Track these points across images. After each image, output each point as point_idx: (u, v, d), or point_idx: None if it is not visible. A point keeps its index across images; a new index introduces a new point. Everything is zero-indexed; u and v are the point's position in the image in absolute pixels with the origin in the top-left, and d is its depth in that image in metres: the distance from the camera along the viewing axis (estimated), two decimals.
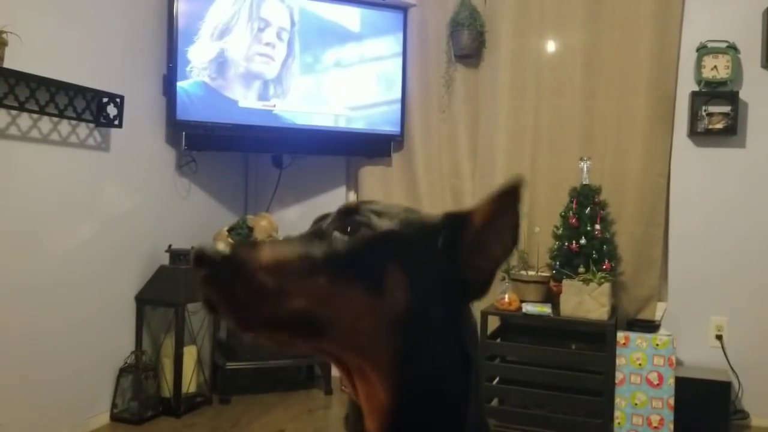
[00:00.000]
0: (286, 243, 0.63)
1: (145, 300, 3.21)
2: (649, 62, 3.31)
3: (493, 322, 3.27)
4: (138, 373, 3.10)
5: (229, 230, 3.52)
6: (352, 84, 3.71)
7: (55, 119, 2.76)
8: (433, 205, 3.71)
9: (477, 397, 0.66)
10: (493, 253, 0.65)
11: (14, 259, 2.60)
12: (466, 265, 0.64)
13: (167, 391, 3.19)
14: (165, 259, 3.28)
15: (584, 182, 3.18)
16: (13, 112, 2.56)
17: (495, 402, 3.21)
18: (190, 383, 3.24)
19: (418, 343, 0.62)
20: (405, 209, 0.67)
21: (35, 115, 2.66)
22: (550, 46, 3.54)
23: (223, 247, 0.58)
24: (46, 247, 2.75)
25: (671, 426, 2.94)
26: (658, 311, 3.33)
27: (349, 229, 0.63)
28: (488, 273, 0.65)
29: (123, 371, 3.11)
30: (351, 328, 0.60)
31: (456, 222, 0.65)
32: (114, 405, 3.08)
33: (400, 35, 3.74)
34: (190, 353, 3.25)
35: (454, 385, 0.64)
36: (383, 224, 0.63)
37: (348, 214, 0.64)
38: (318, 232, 0.64)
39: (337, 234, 0.63)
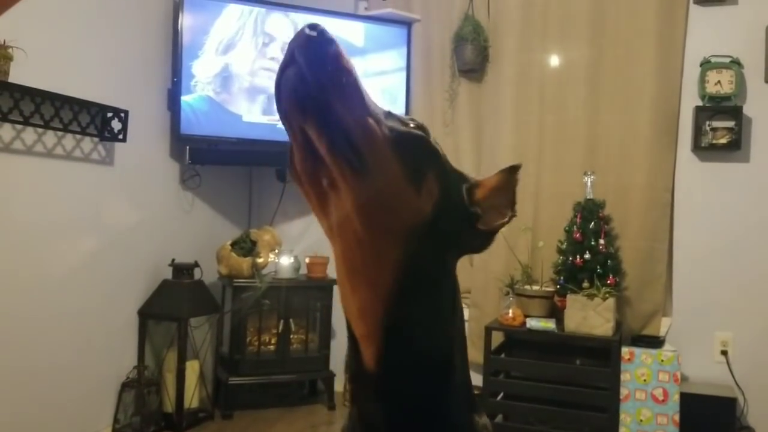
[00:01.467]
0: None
1: (147, 314, 3.20)
2: (652, 77, 3.31)
3: (497, 338, 3.25)
4: (140, 387, 3.09)
5: (233, 244, 3.52)
6: None
7: (60, 133, 2.77)
8: None
9: (464, 363, 0.70)
10: (492, 220, 0.70)
11: (18, 272, 2.60)
12: (478, 218, 0.70)
13: (169, 406, 3.18)
14: (168, 273, 3.28)
15: (588, 197, 3.17)
16: (18, 126, 2.57)
17: (499, 418, 3.19)
18: (192, 398, 3.22)
19: (421, 263, 0.64)
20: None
21: (40, 129, 2.67)
22: (554, 61, 3.55)
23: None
24: (50, 260, 2.74)
25: None
26: (663, 327, 3.31)
27: (407, 123, 0.66)
28: (486, 235, 0.71)
29: (125, 386, 3.09)
30: (384, 202, 0.61)
31: (473, 181, 0.72)
32: (116, 420, 3.06)
33: (404, 50, 3.76)
34: (192, 368, 3.24)
35: (445, 326, 0.67)
36: (439, 149, 0.69)
37: (419, 127, 0.68)
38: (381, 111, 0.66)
39: (394, 123, 0.65)
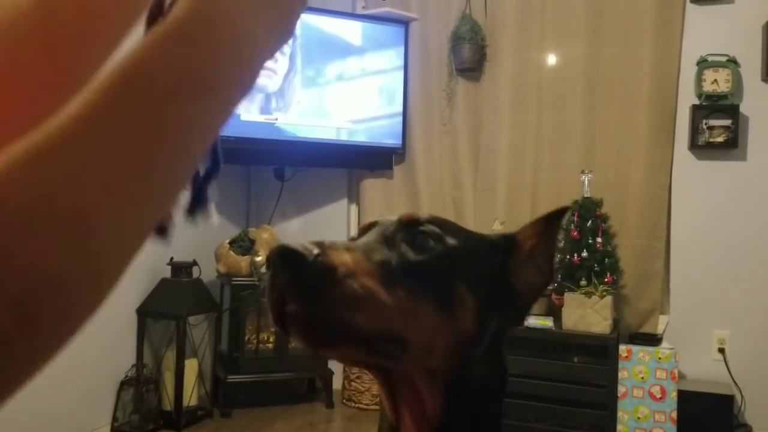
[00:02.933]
0: (363, 248, 0.58)
1: (146, 312, 3.20)
2: (649, 76, 3.32)
3: None
4: (139, 386, 3.10)
5: (231, 242, 3.53)
6: (353, 97, 3.73)
7: None
8: None
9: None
10: (531, 280, 0.65)
11: None
12: (514, 289, 0.65)
13: (168, 404, 3.18)
14: (167, 272, 3.28)
15: (586, 195, 3.18)
16: None
17: None
18: (191, 396, 3.23)
19: (474, 360, 0.62)
20: (460, 226, 0.67)
21: None
22: (551, 60, 3.56)
23: (310, 246, 0.52)
24: None
25: None
26: (661, 324, 3.32)
27: (418, 242, 0.61)
28: (528, 300, 0.66)
29: (124, 384, 3.10)
30: (427, 347, 0.58)
31: (509, 243, 0.66)
32: (115, 418, 3.07)
33: (402, 49, 3.76)
34: (191, 366, 3.25)
35: (495, 402, 0.65)
36: (451, 241, 0.62)
37: (412, 226, 0.63)
38: (386, 239, 0.61)
39: (405, 246, 0.60)
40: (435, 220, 0.64)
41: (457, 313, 0.60)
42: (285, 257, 0.52)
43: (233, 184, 4.00)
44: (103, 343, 3.01)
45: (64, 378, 2.81)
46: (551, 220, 0.65)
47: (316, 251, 0.52)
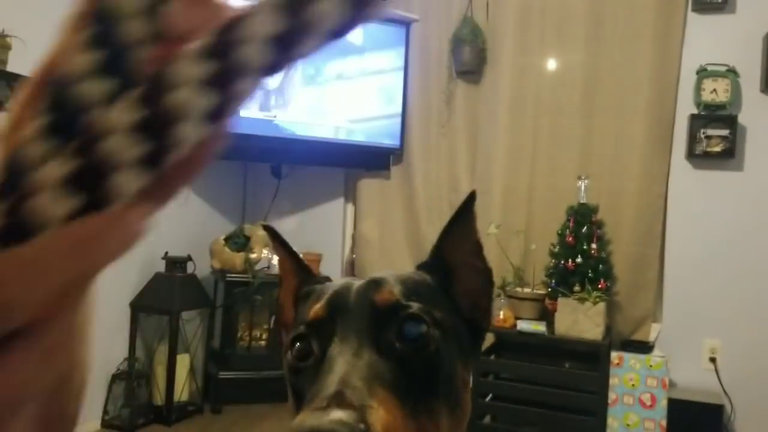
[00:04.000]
0: (376, 378, 0.47)
1: (139, 307, 3.20)
2: (648, 83, 3.33)
3: (488, 339, 3.26)
4: (130, 380, 3.09)
5: (226, 239, 3.53)
6: (353, 96, 3.73)
7: None
8: (431, 219, 3.72)
9: None
10: (474, 285, 0.60)
11: None
12: (464, 307, 0.59)
13: (159, 399, 3.18)
14: (161, 267, 3.28)
15: (582, 201, 3.19)
16: None
17: (487, 419, 3.20)
18: (182, 392, 3.23)
19: (448, 394, 0.54)
20: (413, 276, 0.58)
21: None
22: (551, 65, 3.56)
23: (352, 423, 0.42)
24: None
25: None
26: (653, 332, 3.32)
27: (409, 334, 0.51)
28: (484, 310, 0.61)
29: (115, 378, 3.10)
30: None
31: (437, 262, 0.59)
32: (105, 412, 3.07)
33: (402, 50, 3.76)
34: (183, 361, 3.25)
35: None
36: (436, 314, 0.53)
37: (394, 312, 0.52)
38: (369, 338, 0.50)
39: (399, 345, 0.50)
40: (410, 292, 0.53)
41: (462, 400, 0.54)
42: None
43: (230, 180, 4.00)
44: (96, 336, 3.00)
45: None
46: (462, 212, 0.60)
47: (361, 426, 0.42)
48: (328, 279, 0.66)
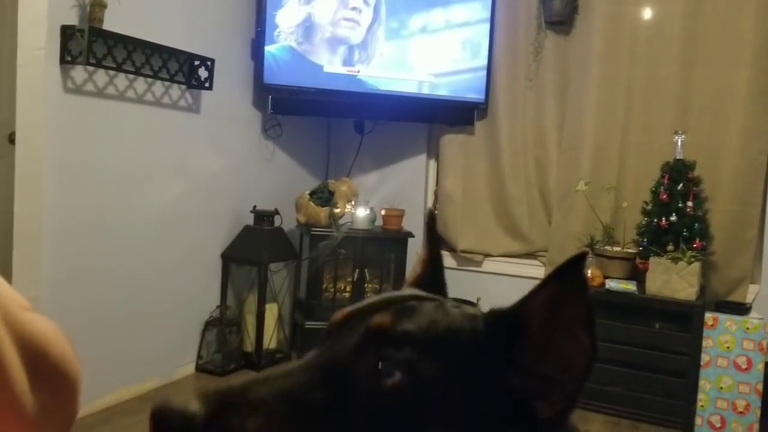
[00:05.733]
0: (282, 396, 0.46)
1: (230, 258, 3.32)
2: (754, 32, 3.11)
3: None
4: (222, 327, 3.23)
5: (311, 193, 3.58)
6: (437, 50, 3.66)
7: (150, 80, 2.85)
8: (515, 176, 3.65)
9: None
10: (566, 361, 0.48)
11: (110, 213, 2.73)
12: (530, 390, 0.48)
13: (249, 345, 3.31)
14: (250, 219, 3.37)
15: (678, 157, 3.05)
16: (111, 72, 2.66)
17: None
18: (270, 339, 3.35)
19: None
20: (446, 317, 0.51)
21: (131, 76, 2.76)
22: (647, 13, 3.38)
23: (195, 408, 0.43)
24: (139, 202, 2.87)
25: (758, 412, 2.83)
26: (750, 294, 3.18)
27: (380, 372, 0.47)
28: (568, 392, 0.48)
29: (208, 324, 3.24)
30: None
31: (510, 324, 0.49)
32: (199, 356, 3.22)
33: (488, 0, 3.65)
34: (271, 311, 3.36)
35: None
36: (432, 368, 0.47)
37: (378, 341, 0.48)
38: (332, 363, 0.49)
39: (361, 380, 0.47)
40: (413, 331, 0.48)
41: None
42: (157, 421, 0.43)
43: (314, 136, 4.04)
44: (191, 285, 3.15)
45: (154, 316, 2.96)
46: (571, 275, 0.47)
47: (197, 421, 0.42)
48: (436, 274, 0.65)
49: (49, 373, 0.44)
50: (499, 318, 0.50)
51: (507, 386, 0.48)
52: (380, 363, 0.47)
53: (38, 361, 0.43)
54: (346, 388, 0.47)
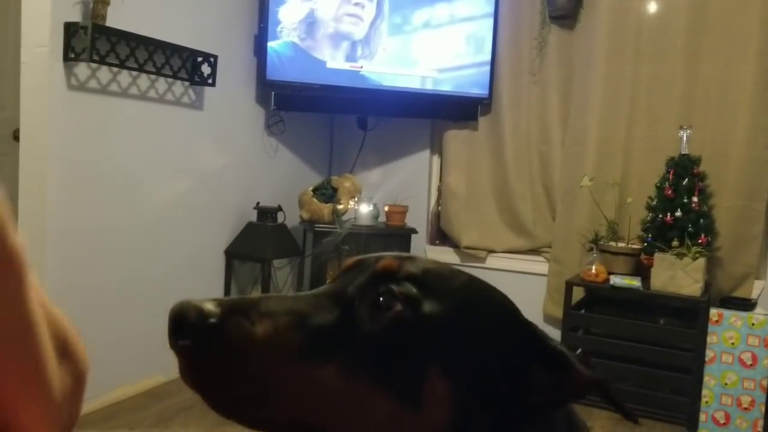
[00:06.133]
0: (296, 311, 0.49)
1: (233, 254, 3.32)
2: (760, 26, 3.09)
3: (578, 293, 3.20)
4: None
5: (314, 190, 3.58)
6: (440, 45, 3.65)
7: (153, 77, 2.85)
8: (519, 171, 3.64)
9: None
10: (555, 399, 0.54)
11: (113, 209, 2.74)
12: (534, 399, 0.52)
13: None
14: (253, 216, 3.37)
15: (683, 152, 3.03)
16: (114, 69, 2.66)
17: None
18: None
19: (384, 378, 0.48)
20: (468, 281, 0.53)
21: (134, 73, 2.75)
22: (652, 7, 3.36)
23: (210, 307, 0.46)
24: (143, 199, 2.87)
25: (762, 408, 2.82)
26: (755, 290, 3.17)
27: (382, 303, 0.49)
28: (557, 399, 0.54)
29: None
30: None
31: (554, 367, 0.52)
32: None
33: None
34: None
35: None
36: (432, 306, 0.48)
37: (384, 279, 0.50)
38: (339, 294, 0.51)
39: (364, 308, 0.49)
40: (420, 274, 0.50)
41: (428, 409, 0.47)
42: (175, 322, 0.46)
43: (317, 132, 4.03)
44: (194, 281, 3.15)
45: (159, 312, 2.95)
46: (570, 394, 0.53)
47: (212, 319, 0.44)
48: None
49: (73, 360, 0.45)
50: (540, 345, 0.52)
51: (506, 362, 0.51)
52: (383, 296, 0.49)
53: (65, 346, 0.44)
54: (351, 314, 0.49)
